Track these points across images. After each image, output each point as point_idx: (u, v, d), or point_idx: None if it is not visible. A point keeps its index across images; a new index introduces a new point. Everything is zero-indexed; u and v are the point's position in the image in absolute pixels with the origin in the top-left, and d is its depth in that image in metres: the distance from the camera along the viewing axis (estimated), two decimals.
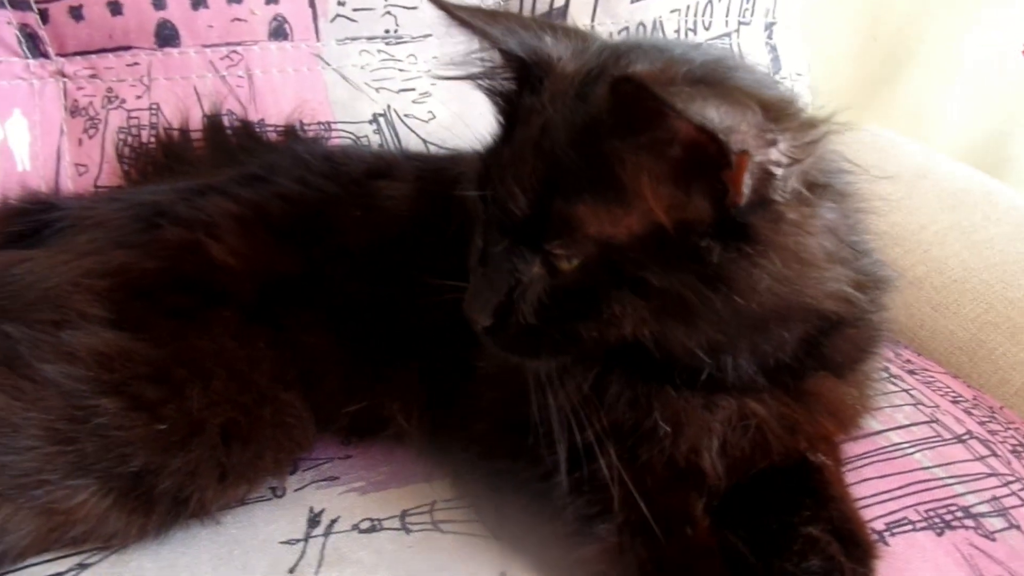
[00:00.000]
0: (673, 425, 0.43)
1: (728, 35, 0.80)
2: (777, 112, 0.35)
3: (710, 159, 0.34)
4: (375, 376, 0.52)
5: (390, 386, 0.52)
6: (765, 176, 0.35)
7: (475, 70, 0.45)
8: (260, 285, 0.52)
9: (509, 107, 0.44)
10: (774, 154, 0.35)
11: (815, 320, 0.42)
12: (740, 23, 0.80)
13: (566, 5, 0.76)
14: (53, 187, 0.70)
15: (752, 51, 0.80)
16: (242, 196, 0.55)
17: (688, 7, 0.78)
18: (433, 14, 0.74)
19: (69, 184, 0.71)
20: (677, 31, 0.78)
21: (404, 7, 0.75)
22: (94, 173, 0.71)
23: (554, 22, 0.47)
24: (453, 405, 0.49)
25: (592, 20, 0.76)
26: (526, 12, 0.76)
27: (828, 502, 0.45)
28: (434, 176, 0.57)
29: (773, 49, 0.82)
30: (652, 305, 0.37)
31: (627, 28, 0.77)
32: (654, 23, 0.77)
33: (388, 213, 0.55)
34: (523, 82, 0.42)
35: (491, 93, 0.45)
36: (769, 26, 0.82)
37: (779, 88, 0.52)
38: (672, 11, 0.77)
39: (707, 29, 0.79)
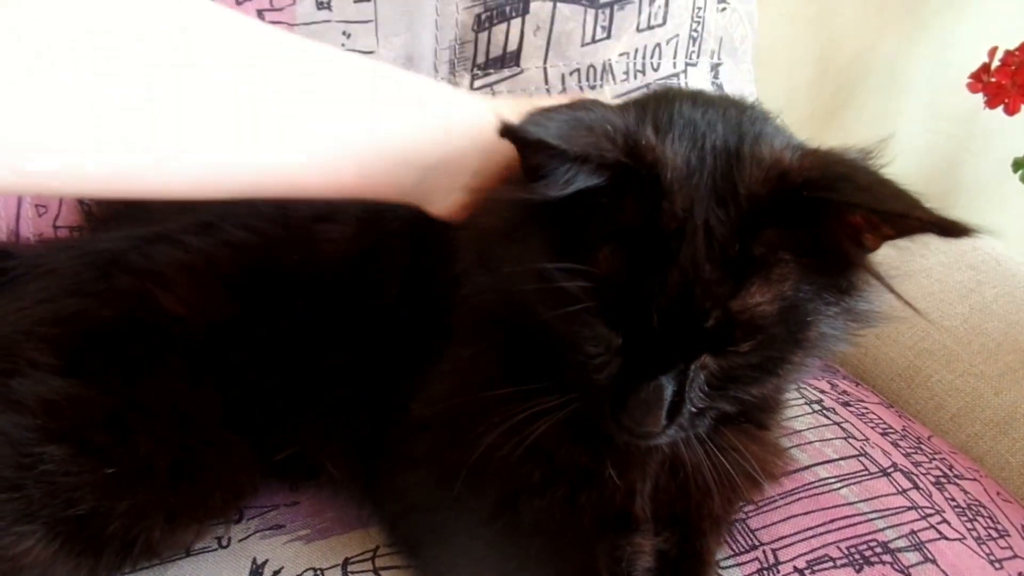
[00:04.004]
0: (620, 467, 0.45)
1: (676, 75, 0.83)
2: None
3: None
4: (305, 422, 0.54)
5: (319, 433, 0.54)
6: None
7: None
8: (208, 331, 0.54)
9: (604, 214, 0.38)
10: None
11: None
12: (687, 64, 0.84)
13: (519, 49, 0.78)
14: (14, 228, 0.72)
15: None
16: (192, 244, 0.57)
17: (636, 50, 0.81)
18: (390, 56, 0.79)
19: (29, 225, 0.72)
20: (626, 73, 0.81)
21: (361, 51, 0.77)
22: (53, 214, 0.72)
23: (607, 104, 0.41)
24: (384, 453, 0.51)
25: (544, 62, 0.79)
26: (479, 57, 0.79)
27: (679, 528, 0.48)
28: (374, 218, 0.59)
29: (720, 88, 0.86)
30: (806, 352, 0.41)
31: (578, 70, 0.79)
32: (604, 65, 0.80)
33: (326, 256, 0.56)
34: (625, 186, 0.38)
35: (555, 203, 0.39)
36: (715, 66, 0.86)
37: None
38: (621, 54, 0.80)
39: (655, 71, 0.82)
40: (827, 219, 0.38)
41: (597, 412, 0.41)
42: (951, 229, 0.34)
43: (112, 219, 0.68)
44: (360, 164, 0.43)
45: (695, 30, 0.84)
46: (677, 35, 0.83)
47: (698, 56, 0.84)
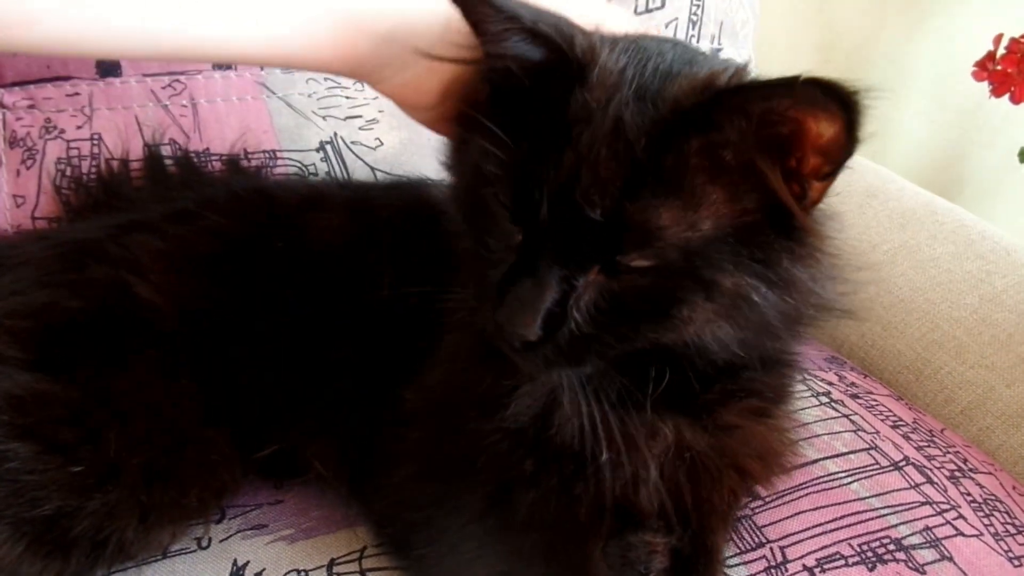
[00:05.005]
0: (619, 453, 0.42)
1: None
2: None
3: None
4: (291, 418, 0.51)
5: (306, 429, 0.51)
6: None
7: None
8: (187, 323, 0.51)
9: (534, 103, 0.39)
10: None
11: (795, 335, 0.44)
12: None
13: None
14: None
15: None
16: (170, 233, 0.54)
17: None
18: None
19: (7, 216, 0.70)
20: None
21: None
22: (31, 204, 0.69)
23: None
24: (374, 449, 0.48)
25: None
26: None
27: (690, 525, 0.46)
28: (364, 206, 0.57)
29: None
30: (717, 306, 0.37)
31: None
32: None
33: (314, 245, 0.54)
34: (553, 75, 0.38)
35: (501, 84, 0.41)
36: (715, 52, 0.83)
37: None
38: None
39: None
40: (746, 128, 0.34)
41: (484, 314, 0.40)
42: (839, 91, 0.31)
43: (89, 209, 0.66)
44: (310, 29, 0.43)
45: (695, 13, 0.81)
46: (676, 18, 0.81)
47: (698, 40, 0.82)
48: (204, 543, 0.50)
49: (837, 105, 0.32)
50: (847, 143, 0.34)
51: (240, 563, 0.48)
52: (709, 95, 0.35)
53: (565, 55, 0.38)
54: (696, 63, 0.40)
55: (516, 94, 0.40)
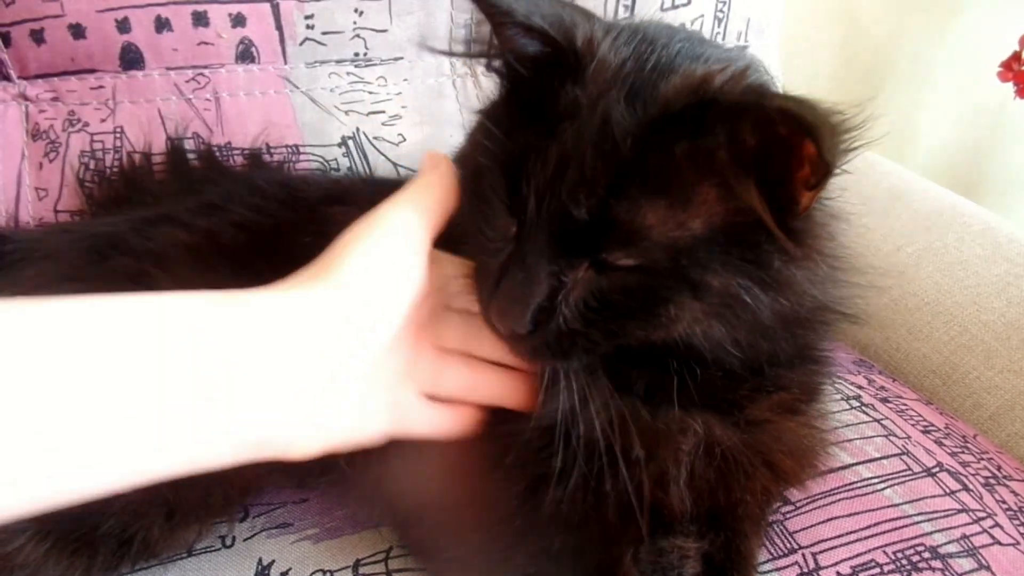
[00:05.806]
0: (648, 448, 0.41)
1: None
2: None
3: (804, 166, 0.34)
4: None
5: None
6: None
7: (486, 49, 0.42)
8: None
9: (535, 97, 0.38)
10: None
11: (794, 336, 0.43)
12: None
13: None
14: (13, 212, 0.69)
15: None
16: (195, 225, 0.54)
17: None
18: (404, 36, 0.76)
19: (29, 209, 0.69)
20: None
21: (374, 30, 0.74)
22: (54, 197, 0.69)
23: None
24: (398, 447, 0.48)
25: None
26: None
27: (723, 530, 0.45)
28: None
29: None
30: (706, 306, 0.37)
31: None
32: None
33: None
34: (552, 69, 0.38)
35: (507, 77, 0.42)
36: (741, 48, 0.82)
37: None
38: None
39: None
40: (736, 134, 0.33)
41: (482, 303, 0.40)
42: (803, 120, 0.30)
43: (112, 202, 0.66)
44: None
45: (721, 10, 0.80)
46: (702, 15, 0.80)
47: (724, 38, 0.81)
48: (228, 541, 0.50)
49: (804, 132, 0.31)
50: (821, 164, 0.33)
51: (265, 562, 0.48)
52: (699, 98, 0.34)
53: (561, 47, 0.38)
54: (701, 59, 0.39)
55: (521, 89, 0.40)
